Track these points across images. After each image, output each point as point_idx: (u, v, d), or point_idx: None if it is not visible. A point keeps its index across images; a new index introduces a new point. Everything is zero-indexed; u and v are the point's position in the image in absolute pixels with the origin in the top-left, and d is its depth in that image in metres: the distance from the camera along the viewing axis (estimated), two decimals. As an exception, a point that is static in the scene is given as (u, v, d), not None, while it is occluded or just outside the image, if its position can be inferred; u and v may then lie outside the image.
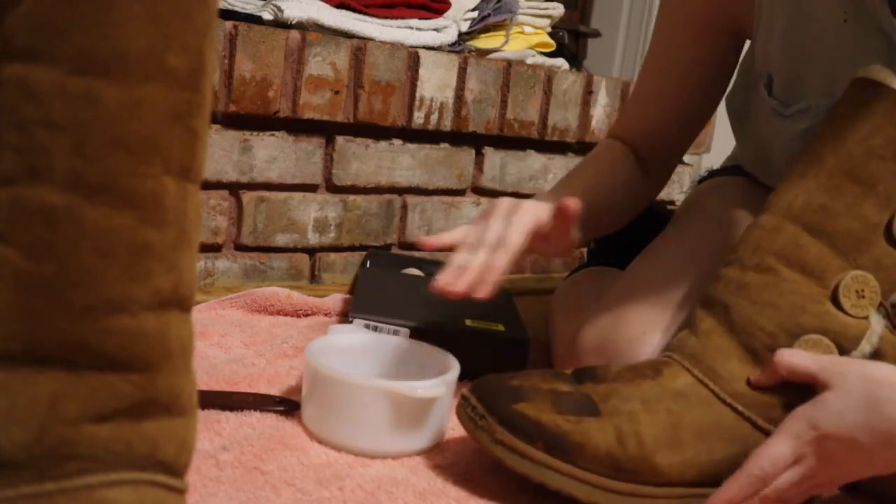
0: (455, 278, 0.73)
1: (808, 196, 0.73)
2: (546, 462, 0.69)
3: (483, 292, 0.73)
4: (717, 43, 0.96)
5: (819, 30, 0.85)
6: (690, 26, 0.95)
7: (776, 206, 0.76)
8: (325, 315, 1.12)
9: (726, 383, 0.71)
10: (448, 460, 0.76)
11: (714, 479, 0.69)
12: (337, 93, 1.23)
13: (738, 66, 1.00)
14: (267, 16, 1.20)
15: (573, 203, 0.76)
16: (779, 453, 0.67)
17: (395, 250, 1.37)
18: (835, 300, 0.71)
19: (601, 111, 1.53)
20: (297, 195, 1.25)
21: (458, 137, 1.40)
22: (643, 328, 0.86)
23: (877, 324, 0.71)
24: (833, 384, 0.67)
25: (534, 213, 0.78)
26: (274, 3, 1.21)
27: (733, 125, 1.03)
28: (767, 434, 0.69)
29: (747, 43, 0.99)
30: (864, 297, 0.70)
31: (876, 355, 0.71)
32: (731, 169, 1.09)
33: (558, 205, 0.77)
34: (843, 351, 0.71)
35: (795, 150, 0.85)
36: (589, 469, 0.68)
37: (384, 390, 0.75)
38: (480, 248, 0.75)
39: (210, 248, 1.19)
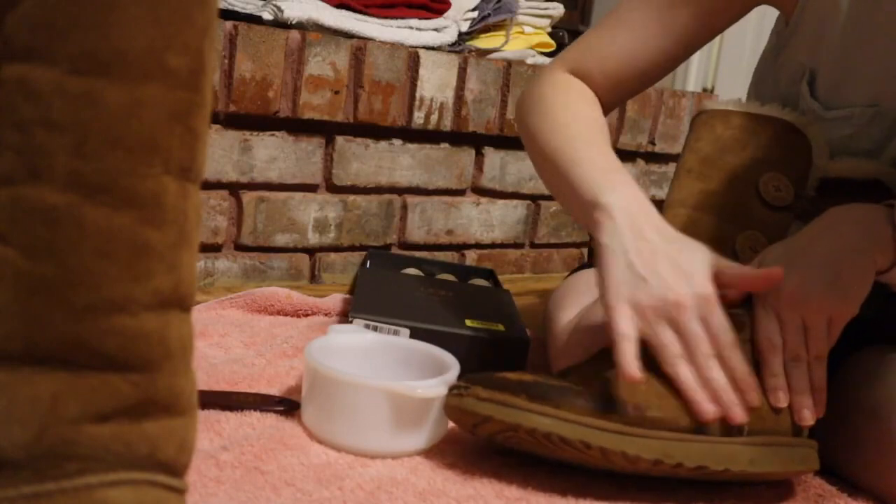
0: (705, 399, 0.72)
1: (691, 188, 0.88)
2: (533, 409, 0.71)
3: (740, 417, 0.72)
4: (729, 16, 0.94)
5: (877, 39, 0.85)
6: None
7: (669, 202, 0.89)
8: (325, 315, 1.12)
9: None
10: (448, 460, 0.76)
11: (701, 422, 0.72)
12: (337, 93, 1.23)
13: (762, 55, 0.98)
14: (267, 16, 1.21)
15: (778, 275, 0.76)
16: (767, 324, 0.76)
17: (395, 250, 1.37)
18: (735, 256, 0.83)
19: (601, 111, 1.53)
20: (297, 195, 1.25)
21: (458, 137, 1.40)
22: None
23: None
24: (763, 256, 0.79)
25: (720, 312, 0.75)
26: (274, 3, 1.21)
27: None
28: None
29: (756, 24, 0.98)
30: (756, 250, 0.83)
31: None
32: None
33: (762, 278, 0.77)
34: None
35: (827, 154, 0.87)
36: (574, 412, 0.71)
37: (384, 390, 0.75)
38: (699, 360, 0.73)
39: (210, 248, 1.19)
